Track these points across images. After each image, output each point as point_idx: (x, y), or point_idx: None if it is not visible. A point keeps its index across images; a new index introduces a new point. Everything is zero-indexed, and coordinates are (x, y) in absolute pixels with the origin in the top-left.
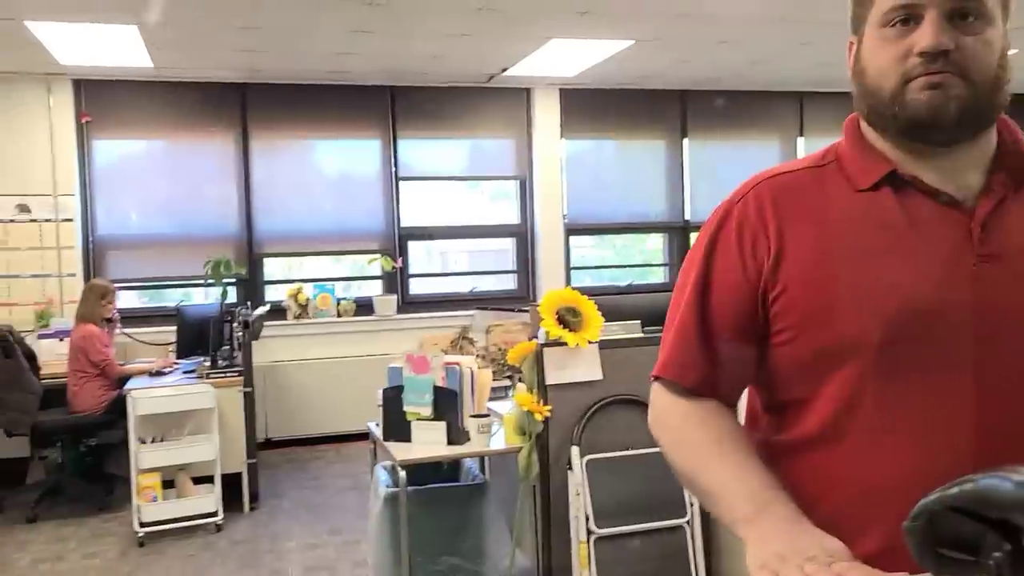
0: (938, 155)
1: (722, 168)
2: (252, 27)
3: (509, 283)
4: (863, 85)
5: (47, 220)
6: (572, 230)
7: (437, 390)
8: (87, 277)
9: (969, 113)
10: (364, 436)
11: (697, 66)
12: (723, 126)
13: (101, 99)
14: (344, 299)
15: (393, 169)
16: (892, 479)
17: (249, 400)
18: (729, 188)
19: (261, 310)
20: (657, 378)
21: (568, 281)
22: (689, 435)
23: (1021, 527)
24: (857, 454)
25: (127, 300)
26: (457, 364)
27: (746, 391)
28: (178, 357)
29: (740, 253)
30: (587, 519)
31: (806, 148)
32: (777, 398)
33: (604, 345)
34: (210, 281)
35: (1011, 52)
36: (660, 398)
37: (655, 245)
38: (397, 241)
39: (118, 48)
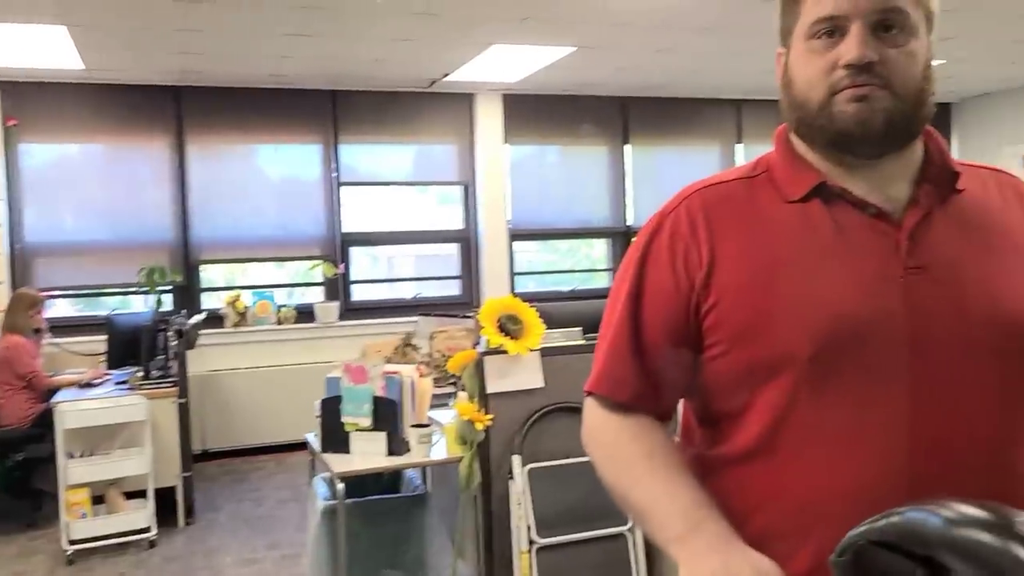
0: (866, 167)
1: (664, 174)
2: (187, 29)
3: (453, 289)
4: (791, 97)
5: None
6: (516, 235)
7: (376, 400)
8: (14, 286)
9: (895, 125)
10: (305, 446)
11: (638, 73)
12: (664, 132)
13: (29, 102)
14: (284, 306)
15: (335, 174)
16: (825, 492)
17: (184, 411)
18: (671, 193)
19: (196, 318)
20: (590, 393)
21: (512, 287)
22: (621, 451)
23: (947, 566)
24: (790, 467)
25: (58, 309)
26: (397, 373)
27: (681, 404)
28: (109, 367)
29: (672, 266)
30: (529, 529)
31: (745, 154)
32: (711, 412)
33: (545, 352)
34: (144, 289)
35: (935, 63)
36: (593, 413)
37: (599, 250)
38: (339, 247)
39: (46, 49)
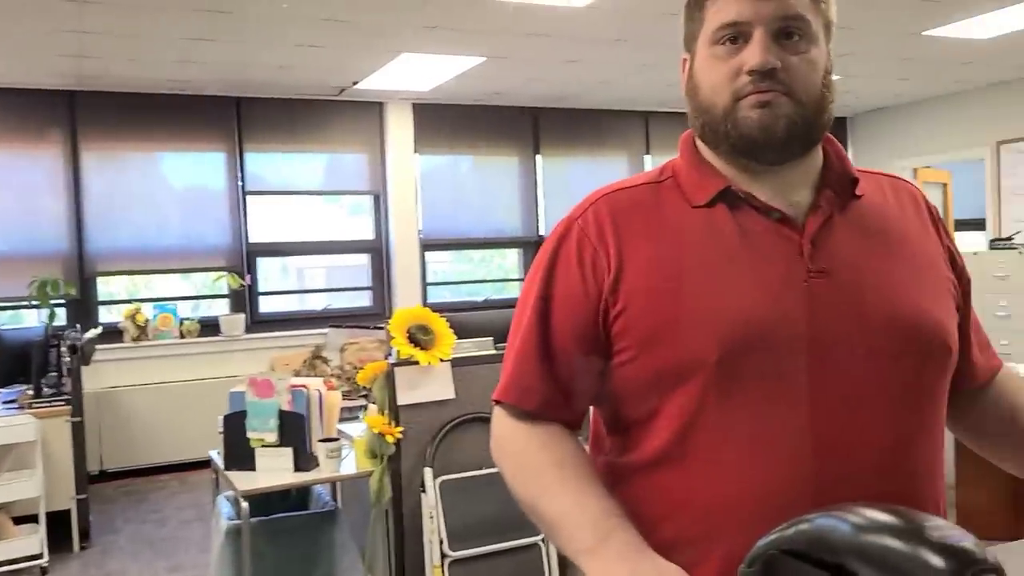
0: (769, 173)
1: (574, 184)
2: (81, 31)
3: (364, 300)
4: (697, 102)
5: None
6: (428, 245)
7: (282, 414)
8: None
9: (797, 132)
10: (209, 464)
11: (547, 84)
12: (574, 143)
13: None
14: (188, 319)
15: (240, 183)
16: (733, 498)
17: (78, 431)
18: None
19: (92, 333)
20: (498, 402)
21: (425, 297)
22: (530, 461)
23: (857, 573)
24: (699, 473)
25: None
26: (304, 387)
27: (590, 412)
28: None
29: (580, 272)
30: (441, 542)
31: (653, 165)
32: (620, 419)
33: (456, 363)
34: (35, 302)
35: (834, 78)
36: (501, 423)
37: (512, 260)
38: (245, 257)
39: None
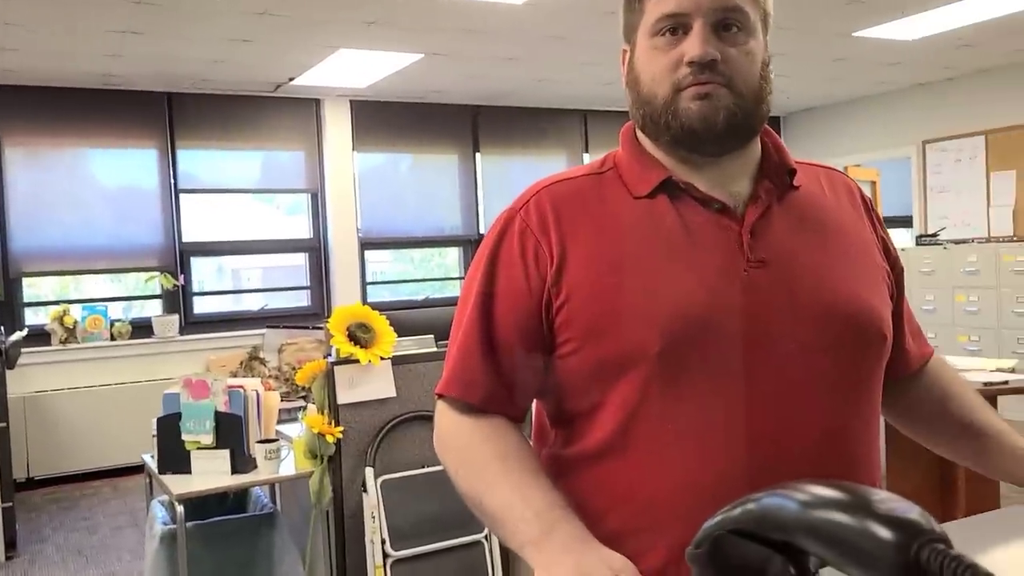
0: (709, 164)
1: (513, 182)
2: (1, 23)
3: (302, 299)
4: (637, 93)
5: None
6: (367, 244)
7: (219, 416)
8: None
9: (736, 123)
10: (143, 468)
11: (487, 82)
12: (513, 141)
13: None
14: (119, 321)
15: (172, 181)
16: (675, 488)
17: (2, 437)
18: None
19: (17, 335)
20: (441, 396)
21: (364, 296)
22: (474, 455)
23: (805, 549)
24: (643, 464)
25: None
26: (241, 387)
27: (534, 404)
28: None
29: (523, 263)
30: (384, 542)
31: None
32: (564, 411)
33: (397, 361)
34: None
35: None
36: (444, 417)
37: (452, 258)
38: (178, 257)
39: None
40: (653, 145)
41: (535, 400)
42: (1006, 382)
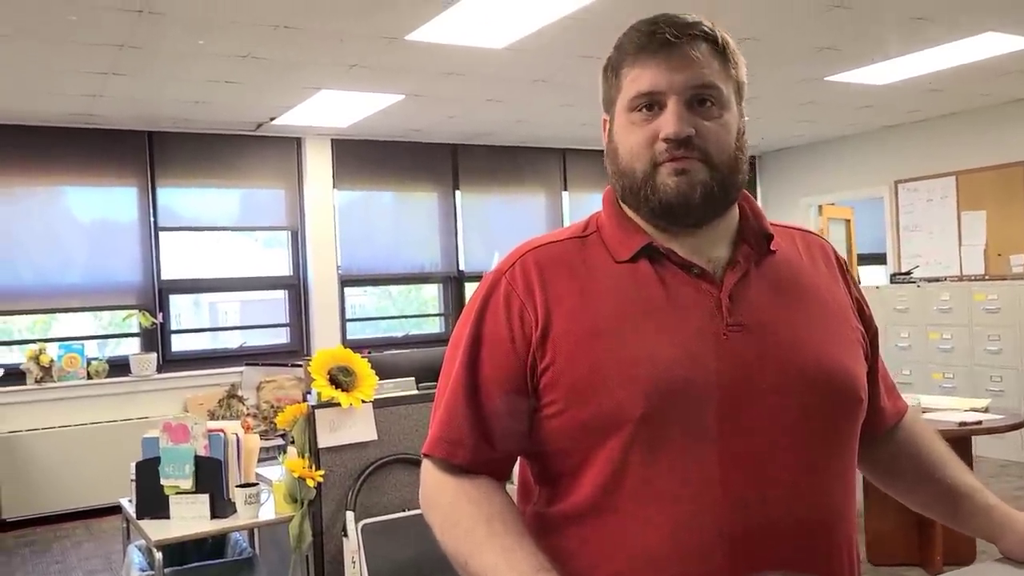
0: (688, 233)
1: (493, 219)
2: None
3: (282, 337)
4: (616, 166)
5: None
6: (347, 281)
7: (199, 460)
8: None
9: (712, 195)
10: (118, 509)
11: (466, 121)
12: (493, 179)
13: None
14: (96, 359)
15: (152, 218)
16: (652, 550)
17: None
18: (501, 238)
19: None
20: (427, 455)
21: (344, 333)
22: (460, 516)
23: None
24: (624, 524)
25: None
26: (221, 431)
27: (518, 462)
28: None
29: (508, 325)
30: None
31: (570, 201)
32: (548, 469)
33: (378, 404)
34: None
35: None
36: (430, 476)
37: (431, 294)
38: (157, 295)
39: None
40: (634, 212)
41: (520, 458)
42: (979, 422)
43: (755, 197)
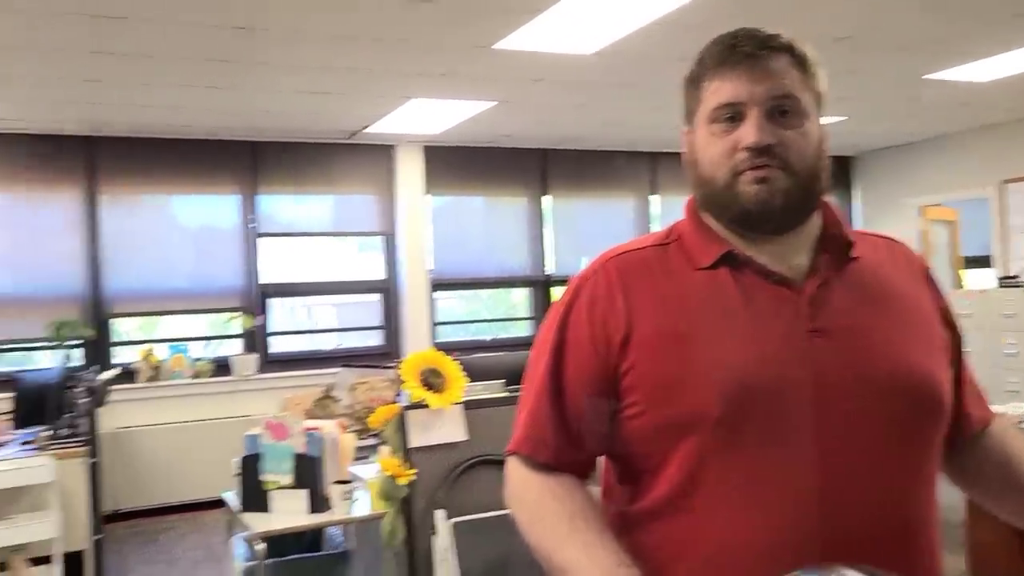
0: (768, 240)
1: (581, 224)
2: (96, 80)
3: (375, 339)
4: (697, 175)
5: None
6: (437, 285)
7: (298, 457)
8: None
9: (793, 203)
10: (221, 503)
11: (556, 127)
12: (582, 183)
13: None
14: (200, 359)
15: (252, 225)
16: (730, 546)
17: (95, 471)
18: (589, 243)
19: (108, 374)
20: (512, 453)
21: (434, 336)
22: (544, 512)
23: None
24: (701, 521)
25: None
26: (318, 429)
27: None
28: (16, 427)
29: (591, 330)
30: None
31: (659, 206)
32: (629, 469)
33: (470, 405)
34: (52, 343)
35: (835, 120)
36: (515, 473)
37: (519, 298)
38: (257, 298)
39: None
40: (715, 220)
41: (603, 459)
42: None
43: (853, 199)
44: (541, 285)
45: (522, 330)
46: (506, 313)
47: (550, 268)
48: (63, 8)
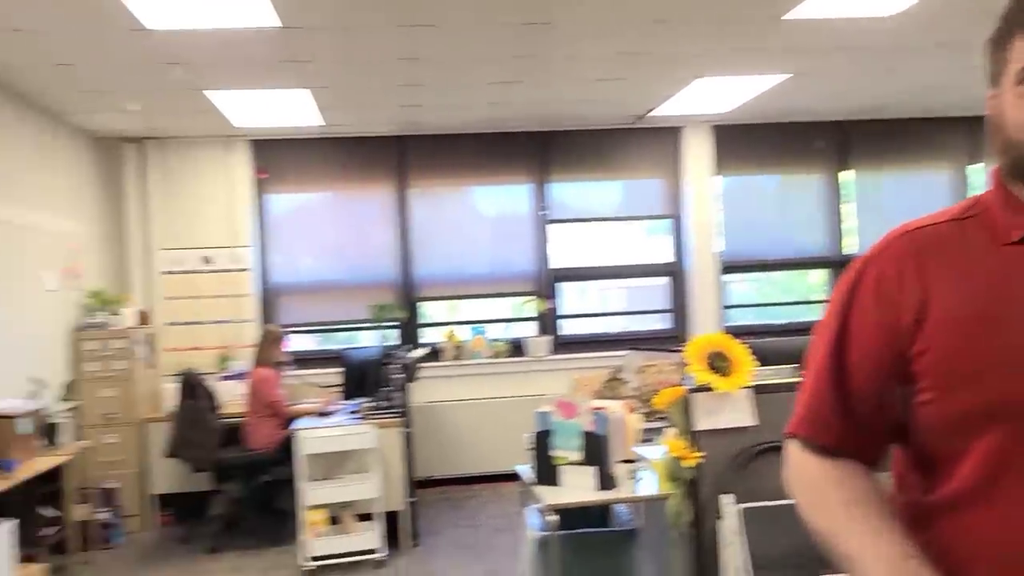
0: None
1: (887, 199)
2: (409, 84)
3: (663, 322)
4: (1003, 140)
5: (227, 270)
6: (727, 267)
7: (586, 435)
8: (262, 322)
9: None
10: (514, 476)
11: (857, 96)
12: (886, 156)
13: (274, 156)
14: (497, 340)
15: (543, 211)
16: None
17: (408, 440)
18: (897, 220)
19: (419, 352)
20: (792, 435)
21: (723, 320)
22: (824, 496)
23: None
24: (1008, 518)
25: (297, 343)
26: (605, 409)
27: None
28: (343, 399)
29: (878, 311)
30: (744, 571)
31: (980, 176)
32: (923, 456)
33: (757, 390)
34: (373, 324)
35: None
36: (795, 456)
37: (816, 280)
38: (549, 282)
39: (291, 110)
40: (1021, 189)
41: (893, 448)
42: None
43: None
44: (839, 266)
45: (818, 314)
46: (802, 296)
47: (850, 248)
48: (374, 22)
